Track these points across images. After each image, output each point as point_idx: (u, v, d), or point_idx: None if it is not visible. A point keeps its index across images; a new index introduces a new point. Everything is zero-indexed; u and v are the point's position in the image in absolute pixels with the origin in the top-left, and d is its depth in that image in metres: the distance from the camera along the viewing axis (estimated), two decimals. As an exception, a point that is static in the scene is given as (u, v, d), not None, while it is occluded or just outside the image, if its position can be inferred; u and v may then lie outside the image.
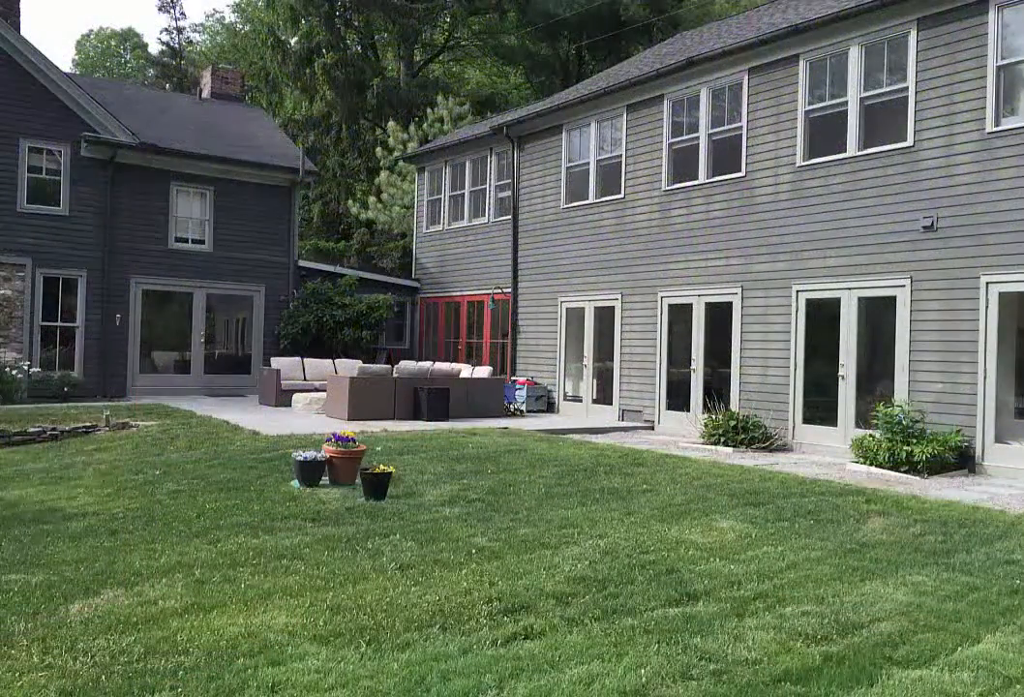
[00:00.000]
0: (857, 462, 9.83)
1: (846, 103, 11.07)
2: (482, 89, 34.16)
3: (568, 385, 15.68)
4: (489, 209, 17.77)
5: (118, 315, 16.28)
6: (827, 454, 10.84)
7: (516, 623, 4.34)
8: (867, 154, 10.82)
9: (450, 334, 18.97)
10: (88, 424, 11.55)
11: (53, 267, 15.63)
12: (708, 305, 12.87)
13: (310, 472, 7.66)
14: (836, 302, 11.12)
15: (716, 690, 3.63)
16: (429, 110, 26.03)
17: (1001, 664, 3.95)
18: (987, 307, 9.58)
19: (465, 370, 14.81)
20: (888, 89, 10.71)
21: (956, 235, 9.91)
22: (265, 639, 4.08)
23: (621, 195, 14.40)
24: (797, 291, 11.57)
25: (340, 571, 5.20)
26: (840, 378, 10.99)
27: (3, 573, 5.15)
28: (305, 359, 15.88)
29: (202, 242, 17.40)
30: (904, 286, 10.36)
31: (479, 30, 33.20)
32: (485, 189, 17.93)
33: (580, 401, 15.29)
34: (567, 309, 15.58)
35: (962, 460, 9.51)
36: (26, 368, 14.72)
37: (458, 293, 18.61)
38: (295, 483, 7.73)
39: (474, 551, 5.68)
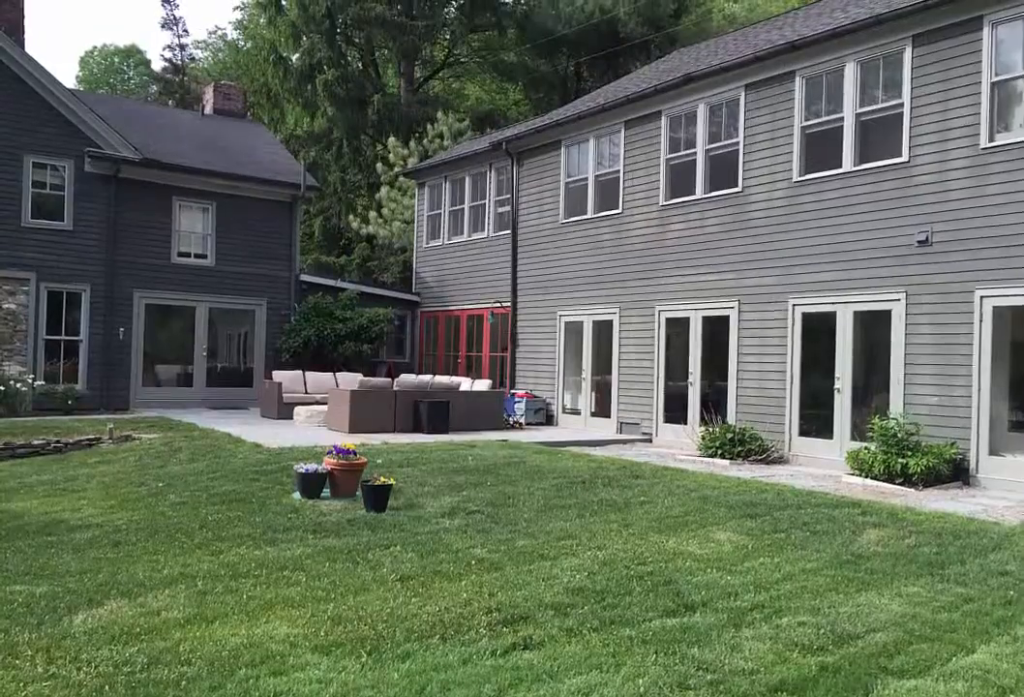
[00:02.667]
0: (853, 474, 9.89)
1: (842, 119, 11.17)
2: (481, 105, 34.40)
3: (567, 398, 15.74)
4: (488, 224, 17.90)
5: (121, 329, 16.37)
6: (823, 466, 10.88)
7: (515, 633, 4.39)
8: (862, 169, 10.92)
9: (450, 347, 19.05)
10: (92, 437, 11.64)
11: (57, 281, 15.73)
12: (705, 319, 12.95)
13: (311, 484, 7.71)
14: (832, 316, 11.20)
15: (713, 699, 3.68)
16: (429, 126, 26.24)
17: (995, 674, 4.00)
18: (981, 321, 9.65)
19: (465, 383, 14.88)
20: (883, 105, 10.81)
21: (950, 249, 10.00)
22: (267, 649, 4.13)
23: (619, 210, 14.52)
24: (793, 305, 11.66)
25: (341, 582, 5.26)
26: (836, 391, 11.05)
27: (8, 584, 5.19)
28: (306, 372, 15.97)
29: (204, 256, 17.52)
30: (899, 300, 10.44)
31: (479, 47, 33.48)
32: (484, 204, 18.06)
33: (579, 414, 15.35)
34: (566, 323, 15.66)
35: (957, 472, 9.56)
36: (30, 381, 14.81)
37: (458, 307, 18.71)
38: (296, 495, 7.79)
39: (474, 562, 5.73)
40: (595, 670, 3.96)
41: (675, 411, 13.37)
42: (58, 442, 11.35)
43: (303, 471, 7.73)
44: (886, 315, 10.60)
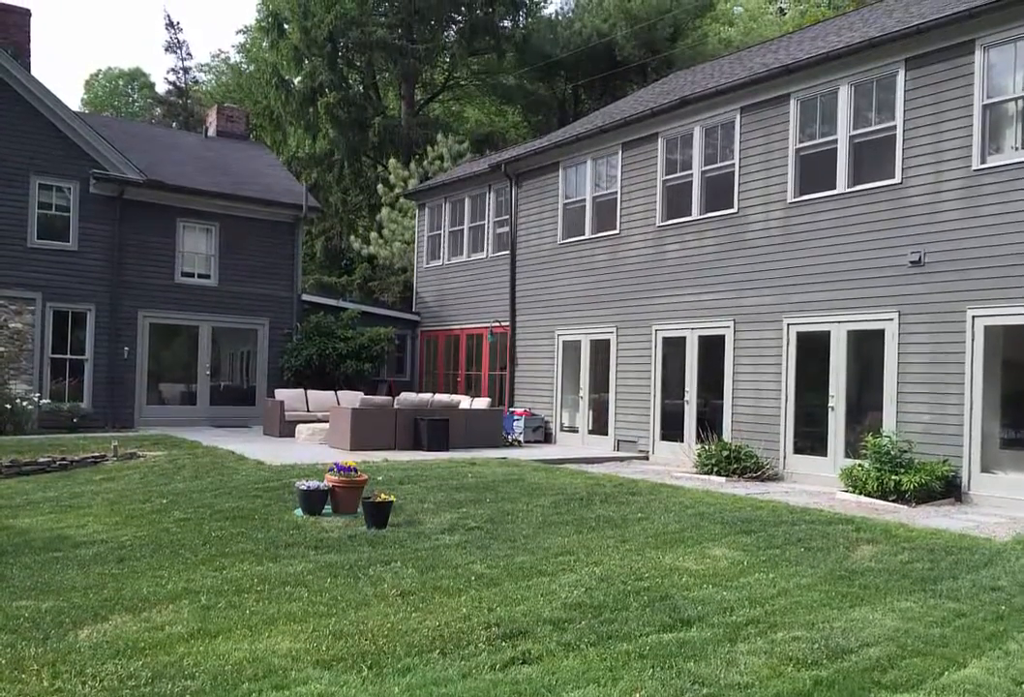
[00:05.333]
0: (846, 491, 9.97)
1: (835, 141, 11.30)
2: (481, 127, 34.70)
3: (565, 416, 15.82)
4: (488, 244, 18.07)
5: (126, 348, 16.50)
6: (817, 483, 10.95)
7: (514, 648, 4.45)
8: (856, 191, 11.04)
9: (450, 366, 19.16)
10: (97, 454, 11.72)
11: (63, 301, 15.89)
12: (701, 338, 13.06)
13: (313, 501, 7.79)
14: (826, 335, 11.30)
15: (708, 712, 3.74)
16: (429, 148, 26.53)
17: (987, 688, 4.06)
18: (973, 340, 9.75)
19: (464, 401, 14.98)
20: (877, 127, 10.94)
21: (943, 270, 10.11)
22: (269, 664, 4.19)
23: (616, 231, 14.68)
24: (788, 324, 11.77)
25: (342, 597, 5.32)
26: (830, 409, 11.14)
27: (14, 599, 5.26)
28: (308, 391, 16.08)
29: (208, 276, 17.69)
30: (892, 319, 10.55)
31: (478, 70, 33.84)
32: (484, 225, 18.24)
33: (576, 432, 15.43)
34: (564, 342, 15.78)
35: (949, 489, 9.63)
36: (36, 399, 14.93)
37: (457, 326, 18.84)
38: (298, 512, 7.86)
39: (473, 578, 5.79)
40: (593, 684, 4.01)
41: (671, 429, 13.46)
42: (63, 459, 11.43)
43: (305, 488, 7.81)
44: (879, 334, 10.70)
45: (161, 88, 45.44)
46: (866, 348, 10.99)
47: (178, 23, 47.54)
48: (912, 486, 9.23)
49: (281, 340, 18.22)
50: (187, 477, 9.98)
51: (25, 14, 17.19)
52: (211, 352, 17.70)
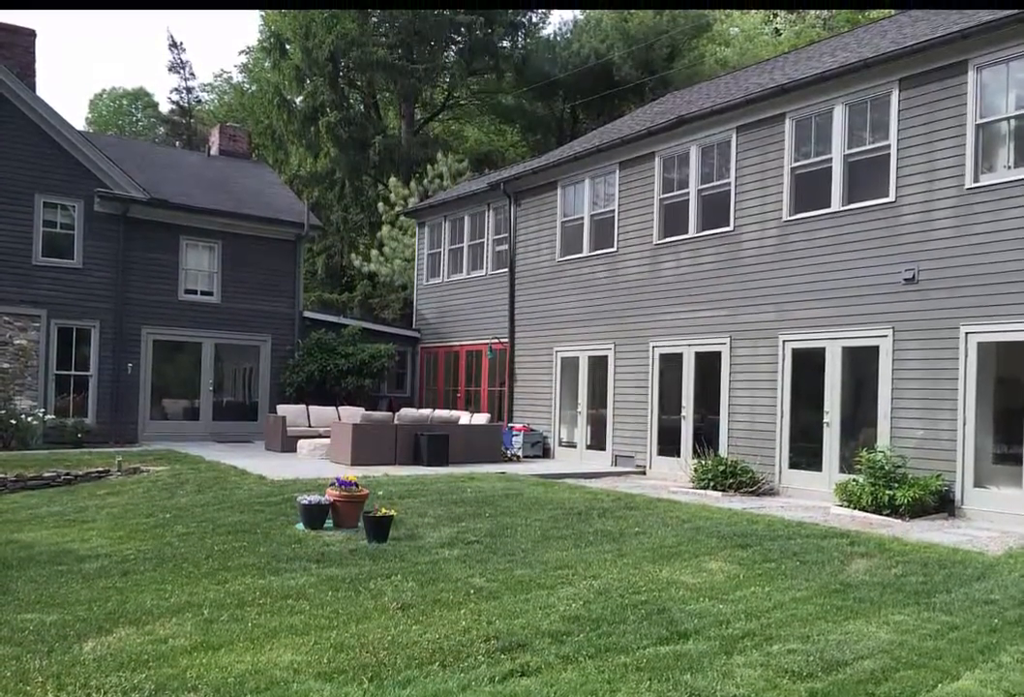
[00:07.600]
0: (841, 506, 10.02)
1: (830, 160, 11.42)
2: (480, 146, 34.99)
3: (563, 431, 15.88)
4: (487, 262, 18.21)
5: (130, 364, 16.61)
6: (812, 498, 11.00)
7: (513, 660, 4.49)
8: (850, 209, 11.16)
9: (449, 382, 19.24)
10: (101, 469, 11.79)
11: (67, 318, 16.01)
12: (698, 354, 13.15)
13: (314, 515, 7.85)
14: (821, 352, 11.39)
15: (704, 722, 3.79)
16: (429, 167, 26.77)
17: (980, 700, 4.11)
18: (966, 356, 9.84)
19: (464, 417, 15.05)
20: (871, 146, 11.07)
21: (936, 287, 10.21)
22: (271, 676, 4.24)
23: (614, 249, 14.81)
24: (783, 341, 11.86)
25: (343, 610, 5.37)
26: (825, 425, 11.21)
27: (19, 612, 5.32)
28: (310, 406, 16.17)
29: (211, 294, 17.82)
30: (886, 336, 10.64)
31: (477, 90, 34.13)
32: (483, 243, 18.39)
33: (575, 447, 15.49)
34: (562, 358, 15.88)
35: (942, 504, 9.69)
36: (41, 415, 15.02)
37: (457, 343, 18.94)
38: (300, 526, 7.92)
39: (472, 591, 5.85)
40: (591, 696, 4.07)
41: (668, 444, 13.51)
42: (68, 474, 11.50)
43: (306, 502, 7.87)
44: (874, 351, 10.79)
45: (164, 107, 45.80)
46: (861, 364, 11.07)
47: (181, 43, 47.99)
48: (906, 500, 9.30)
49: (283, 356, 18.32)
50: (190, 492, 10.05)
51: (30, 35, 17.37)
52: (214, 368, 17.80)
